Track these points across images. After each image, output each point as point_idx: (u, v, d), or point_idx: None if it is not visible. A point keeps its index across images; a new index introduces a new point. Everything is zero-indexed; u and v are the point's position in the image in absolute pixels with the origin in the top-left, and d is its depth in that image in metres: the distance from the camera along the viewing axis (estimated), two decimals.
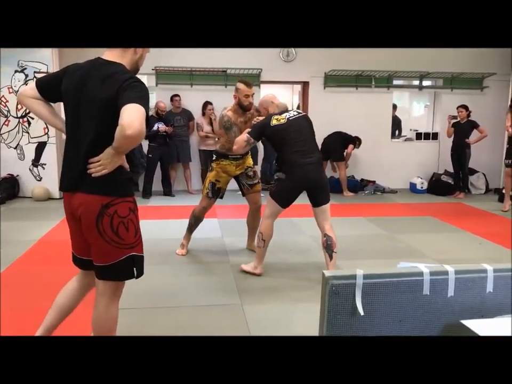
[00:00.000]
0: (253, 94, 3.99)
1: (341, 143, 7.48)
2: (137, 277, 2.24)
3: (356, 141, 7.57)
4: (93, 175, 1.96)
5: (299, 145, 3.57)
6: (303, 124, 3.69)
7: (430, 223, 5.75)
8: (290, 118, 3.65)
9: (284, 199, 3.65)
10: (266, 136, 3.75)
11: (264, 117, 3.78)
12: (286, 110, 3.78)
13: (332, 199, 7.11)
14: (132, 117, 1.78)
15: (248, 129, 3.76)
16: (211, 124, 7.34)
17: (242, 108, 3.97)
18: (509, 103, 6.46)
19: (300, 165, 3.54)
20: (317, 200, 3.68)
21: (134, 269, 2.19)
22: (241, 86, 3.92)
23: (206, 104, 7.32)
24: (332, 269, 3.55)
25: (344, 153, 7.51)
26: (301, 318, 3.02)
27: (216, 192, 4.17)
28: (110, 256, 2.06)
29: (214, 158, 4.24)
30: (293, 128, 3.60)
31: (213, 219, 5.75)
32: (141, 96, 1.88)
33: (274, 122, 3.64)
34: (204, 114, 7.36)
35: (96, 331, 2.20)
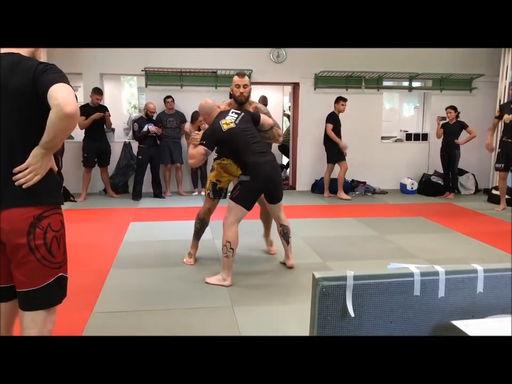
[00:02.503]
0: (245, 84, 3.81)
1: (328, 139, 7.25)
2: (61, 300, 1.90)
3: (336, 105, 7.20)
4: (23, 185, 1.68)
5: (255, 146, 3.57)
6: (248, 124, 3.66)
7: (420, 224, 5.77)
8: (237, 121, 3.60)
9: (250, 201, 3.61)
10: (219, 142, 3.64)
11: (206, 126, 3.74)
12: (228, 111, 3.71)
13: (323, 200, 7.20)
14: (65, 94, 1.62)
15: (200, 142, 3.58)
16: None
17: (235, 99, 3.85)
18: (493, 120, 6.49)
19: (262, 164, 3.55)
20: (275, 198, 3.79)
21: (61, 291, 1.88)
22: (234, 77, 3.89)
23: (197, 114, 7.08)
24: (291, 252, 3.98)
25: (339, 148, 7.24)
26: (292, 320, 3.00)
27: (218, 192, 4.02)
28: (39, 277, 1.77)
29: (215, 157, 4.12)
30: (243, 130, 3.58)
31: None
32: (63, 76, 1.71)
33: (225, 127, 3.57)
34: (193, 122, 7.17)
35: None
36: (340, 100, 7.23)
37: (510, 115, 6.18)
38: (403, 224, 5.76)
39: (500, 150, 6.44)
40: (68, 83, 1.70)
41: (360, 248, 4.68)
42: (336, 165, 7.40)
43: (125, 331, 2.86)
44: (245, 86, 3.80)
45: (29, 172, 1.68)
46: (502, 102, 7.26)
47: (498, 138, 6.79)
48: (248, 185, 3.57)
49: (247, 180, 3.57)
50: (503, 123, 6.50)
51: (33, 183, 1.69)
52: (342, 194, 7.35)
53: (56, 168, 1.85)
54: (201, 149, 3.53)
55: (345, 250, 4.61)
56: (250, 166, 3.56)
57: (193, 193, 7.50)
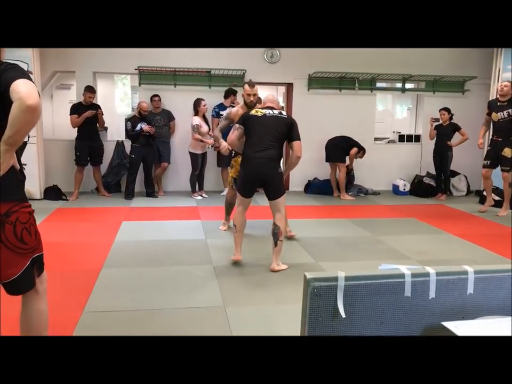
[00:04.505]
0: (255, 94, 4.39)
1: (343, 146, 7.44)
2: (40, 274, 2.10)
3: (361, 150, 7.50)
4: None
5: (257, 141, 3.82)
6: (275, 124, 3.85)
7: (412, 225, 5.80)
8: (267, 115, 3.88)
9: (241, 189, 3.99)
10: (244, 123, 3.98)
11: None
12: (272, 108, 3.99)
13: (316, 201, 7.21)
14: (27, 88, 1.69)
15: None
16: (206, 122, 7.09)
17: (246, 104, 4.45)
18: (486, 117, 6.51)
19: (250, 159, 3.85)
20: (269, 195, 3.96)
21: (34, 272, 2.04)
22: (245, 86, 4.48)
23: (199, 101, 6.98)
24: (275, 255, 3.94)
25: (346, 156, 7.46)
26: (284, 320, 3.00)
27: None
28: (15, 266, 1.93)
29: (232, 155, 4.70)
30: (263, 123, 3.84)
31: (196, 220, 5.72)
32: (24, 73, 1.80)
33: (253, 112, 3.98)
34: (197, 113, 6.98)
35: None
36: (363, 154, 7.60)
37: (498, 113, 6.20)
38: (395, 225, 5.78)
39: (489, 148, 6.46)
40: (30, 79, 1.76)
41: (352, 249, 4.69)
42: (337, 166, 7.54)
43: (116, 331, 2.84)
44: (254, 94, 4.39)
45: None
46: None
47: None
48: (240, 175, 4.04)
49: (241, 170, 4.00)
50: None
51: None
52: (345, 195, 7.43)
53: (18, 166, 1.88)
54: (236, 124, 4.07)
55: (338, 251, 4.62)
56: (243, 158, 3.96)
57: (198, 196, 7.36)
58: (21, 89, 1.67)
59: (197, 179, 7.24)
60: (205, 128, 6.99)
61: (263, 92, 8.98)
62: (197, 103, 6.99)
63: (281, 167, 4.02)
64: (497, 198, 6.71)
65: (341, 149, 7.43)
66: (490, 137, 6.50)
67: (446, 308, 1.51)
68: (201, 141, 6.91)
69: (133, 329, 2.88)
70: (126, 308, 3.20)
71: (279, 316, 3.11)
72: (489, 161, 6.34)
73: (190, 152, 7.10)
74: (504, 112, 6.15)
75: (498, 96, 6.33)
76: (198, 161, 7.11)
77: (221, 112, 7.29)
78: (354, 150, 7.44)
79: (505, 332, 1.35)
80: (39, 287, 2.09)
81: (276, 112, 3.93)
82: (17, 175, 1.89)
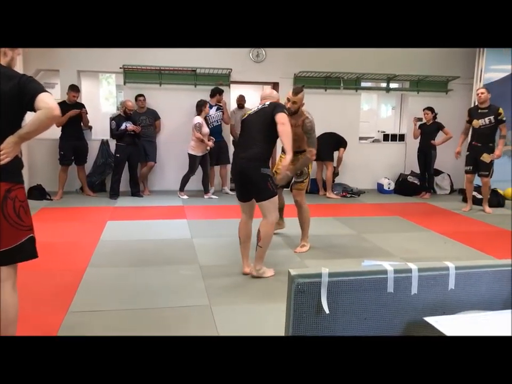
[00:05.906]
0: (295, 102, 3.98)
1: (332, 144, 7.52)
2: (34, 255, 2.34)
3: (345, 145, 7.63)
4: None
5: (243, 141, 3.81)
6: (257, 119, 3.70)
7: (397, 223, 5.86)
8: (252, 114, 3.81)
9: (236, 192, 3.92)
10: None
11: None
12: (260, 105, 3.85)
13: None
14: (53, 101, 2.09)
15: None
16: (207, 124, 7.04)
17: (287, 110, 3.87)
18: (466, 125, 6.57)
19: (235, 159, 3.87)
20: (253, 196, 3.74)
21: (33, 249, 2.31)
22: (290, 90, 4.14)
23: (204, 102, 6.92)
24: (255, 261, 3.78)
25: (334, 154, 7.56)
26: (270, 318, 3.02)
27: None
28: (13, 238, 2.20)
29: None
30: (247, 123, 3.80)
31: (182, 220, 5.71)
32: (44, 87, 2.15)
33: (244, 116, 3.95)
34: (200, 113, 6.89)
35: (3, 320, 2.19)
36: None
37: (479, 120, 6.29)
38: (380, 224, 5.84)
39: (468, 153, 6.54)
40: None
41: (338, 247, 4.73)
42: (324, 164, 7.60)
43: (101, 331, 2.83)
44: (294, 102, 3.99)
45: (2, 153, 2.09)
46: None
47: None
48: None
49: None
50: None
51: (3, 164, 2.10)
52: (331, 193, 7.50)
53: (20, 155, 2.26)
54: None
55: (323, 249, 4.65)
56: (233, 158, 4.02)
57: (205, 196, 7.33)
58: (49, 100, 2.08)
59: (188, 180, 7.20)
60: (206, 129, 6.93)
61: (249, 91, 9.02)
62: (202, 104, 6.91)
63: (269, 169, 3.70)
64: (479, 196, 6.80)
65: (329, 147, 7.48)
66: (469, 142, 6.57)
67: (428, 303, 1.53)
68: (202, 140, 6.85)
69: (118, 329, 2.87)
70: (111, 308, 3.19)
71: (264, 314, 3.12)
72: (471, 167, 6.45)
73: (189, 154, 7.01)
74: (486, 119, 6.25)
75: (477, 103, 6.42)
76: (196, 164, 7.06)
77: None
78: (342, 151, 7.55)
79: (485, 326, 1.38)
80: (15, 278, 2.28)
81: (260, 106, 3.76)
82: (19, 162, 2.24)
